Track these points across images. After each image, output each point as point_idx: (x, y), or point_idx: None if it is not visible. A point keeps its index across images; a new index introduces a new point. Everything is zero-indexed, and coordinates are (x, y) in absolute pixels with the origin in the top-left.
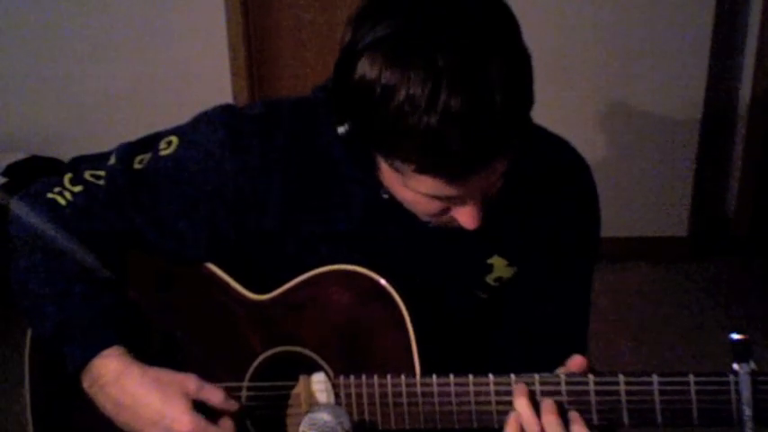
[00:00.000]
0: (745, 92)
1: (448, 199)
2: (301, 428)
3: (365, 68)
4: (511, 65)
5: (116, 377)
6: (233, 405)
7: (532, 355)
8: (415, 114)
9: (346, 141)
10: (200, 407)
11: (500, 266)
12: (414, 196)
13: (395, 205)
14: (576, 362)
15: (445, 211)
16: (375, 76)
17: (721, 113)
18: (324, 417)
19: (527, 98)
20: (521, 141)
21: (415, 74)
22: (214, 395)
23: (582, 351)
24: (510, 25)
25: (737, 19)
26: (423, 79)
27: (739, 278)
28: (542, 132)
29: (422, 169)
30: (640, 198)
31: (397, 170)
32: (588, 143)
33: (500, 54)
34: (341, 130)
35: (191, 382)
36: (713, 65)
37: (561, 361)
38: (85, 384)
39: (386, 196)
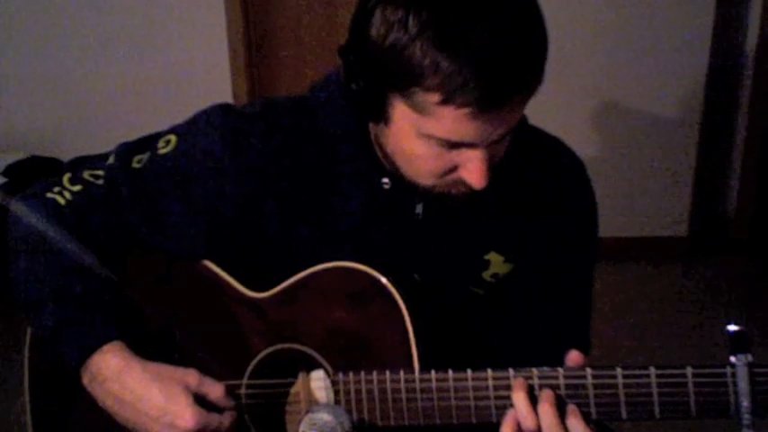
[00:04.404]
0: (745, 92)
1: (461, 146)
2: (301, 428)
3: (387, 12)
4: (531, 5)
5: (117, 373)
6: (229, 403)
7: (534, 353)
8: (443, 48)
9: (358, 99)
10: (200, 401)
11: (497, 263)
12: (425, 149)
13: (394, 199)
14: (573, 357)
15: (452, 170)
16: (400, 16)
17: (721, 113)
18: (324, 416)
19: (545, 38)
20: (537, 86)
21: (443, 10)
22: (213, 390)
23: (584, 349)
24: None
25: (737, 19)
26: (452, 14)
27: (739, 278)
28: (538, 132)
29: (447, 98)
30: (640, 198)
31: (415, 109)
32: (588, 143)
33: None
34: (354, 86)
35: (191, 376)
36: (713, 64)
37: (563, 359)
38: (85, 381)
39: (386, 186)
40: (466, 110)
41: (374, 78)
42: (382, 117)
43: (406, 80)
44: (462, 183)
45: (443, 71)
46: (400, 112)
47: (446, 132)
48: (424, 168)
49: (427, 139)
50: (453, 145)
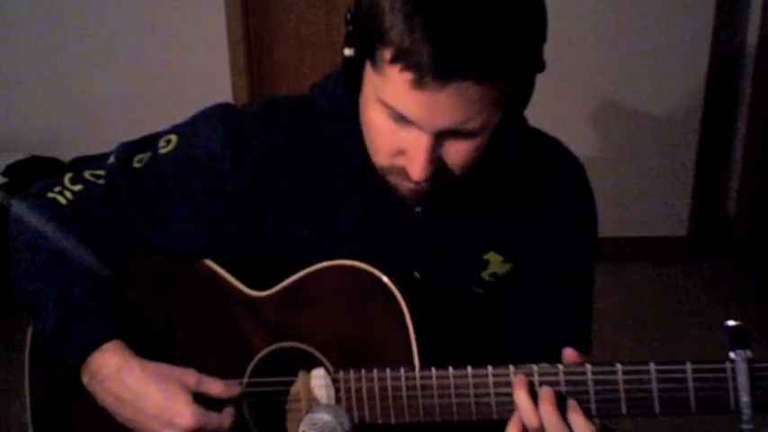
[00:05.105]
0: (745, 92)
1: (408, 124)
2: (301, 428)
3: None
4: (528, 11)
5: (116, 371)
6: (234, 390)
7: (534, 352)
8: (410, 9)
9: (346, 65)
10: (199, 400)
11: (496, 262)
12: (379, 118)
13: (394, 200)
14: (568, 355)
15: (400, 153)
16: None
17: (721, 113)
18: (324, 417)
19: (523, 41)
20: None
21: None
22: (213, 386)
23: (585, 349)
24: None
25: (737, 19)
26: None
27: (739, 278)
28: (537, 133)
29: (396, 57)
30: (640, 198)
31: (374, 67)
32: (588, 143)
33: None
34: (347, 52)
35: (189, 375)
36: (713, 64)
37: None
38: (85, 379)
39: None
40: (409, 75)
41: (356, 39)
42: (361, 84)
43: (372, 35)
44: (407, 177)
45: (400, 29)
46: (368, 74)
47: (391, 97)
48: (376, 141)
49: (380, 106)
50: (400, 119)
